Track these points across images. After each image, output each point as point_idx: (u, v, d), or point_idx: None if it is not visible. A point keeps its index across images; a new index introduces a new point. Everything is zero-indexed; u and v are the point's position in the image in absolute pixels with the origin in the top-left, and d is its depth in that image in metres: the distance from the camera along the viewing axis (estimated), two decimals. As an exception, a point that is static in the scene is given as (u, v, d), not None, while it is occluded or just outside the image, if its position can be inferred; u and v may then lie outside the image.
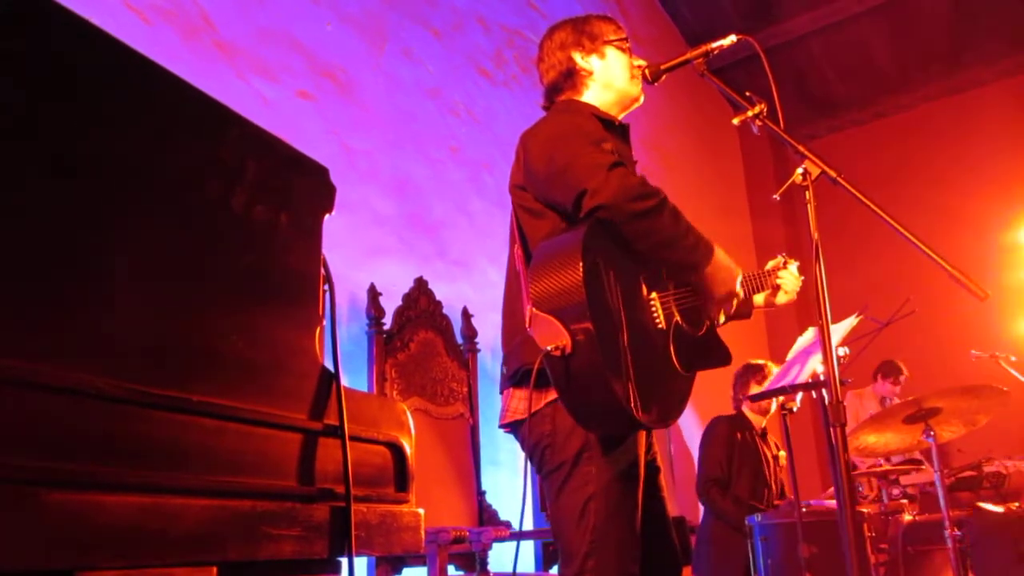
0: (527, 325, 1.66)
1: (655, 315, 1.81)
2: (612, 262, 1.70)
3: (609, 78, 2.03)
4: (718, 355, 1.98)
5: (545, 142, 1.84)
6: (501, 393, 1.92)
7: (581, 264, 1.58)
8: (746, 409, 4.25)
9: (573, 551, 1.69)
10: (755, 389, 4.17)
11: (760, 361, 4.33)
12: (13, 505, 0.74)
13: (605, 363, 1.55)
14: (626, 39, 2.09)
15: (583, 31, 2.05)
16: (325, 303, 1.20)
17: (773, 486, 4.17)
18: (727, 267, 1.86)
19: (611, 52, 2.05)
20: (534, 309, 1.62)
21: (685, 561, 3.85)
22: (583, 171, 1.71)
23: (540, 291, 1.62)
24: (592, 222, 1.68)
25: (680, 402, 1.82)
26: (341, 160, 3.76)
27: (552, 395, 1.71)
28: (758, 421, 4.24)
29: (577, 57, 2.03)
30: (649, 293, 1.82)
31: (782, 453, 4.26)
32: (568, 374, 1.59)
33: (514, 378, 1.83)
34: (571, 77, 2.04)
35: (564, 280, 1.59)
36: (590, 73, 2.03)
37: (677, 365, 1.81)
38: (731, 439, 4.09)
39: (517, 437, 1.88)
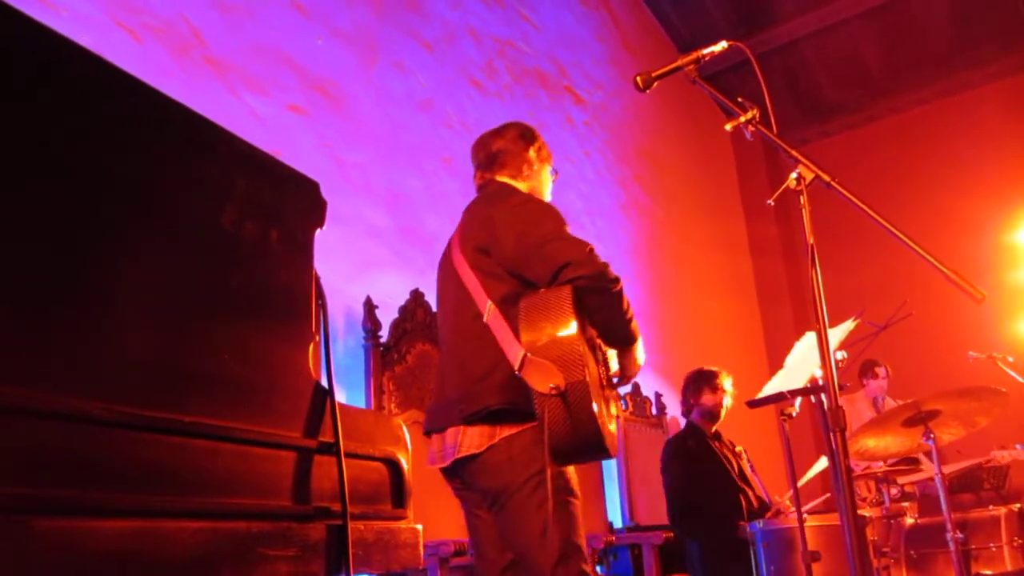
0: (517, 369, 1.87)
1: (600, 360, 2.09)
2: (582, 316, 1.97)
3: (540, 184, 2.36)
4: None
5: (523, 219, 2.07)
6: (442, 432, 2.07)
7: (574, 319, 1.88)
8: (696, 417, 4.11)
9: (541, 565, 1.90)
10: (708, 395, 4.05)
11: (714, 368, 4.15)
12: (2, 534, 0.72)
13: (594, 402, 1.82)
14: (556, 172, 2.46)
15: (540, 142, 2.39)
16: (319, 319, 1.18)
17: (748, 485, 4.00)
18: (638, 354, 2.23)
19: (548, 170, 2.40)
20: (530, 355, 1.85)
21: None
22: (567, 247, 1.98)
23: (536, 340, 1.88)
24: (572, 285, 1.94)
25: (615, 436, 2.08)
26: (334, 174, 3.75)
27: (510, 430, 1.94)
28: (708, 426, 4.08)
29: (532, 153, 2.33)
30: (598, 340, 2.13)
31: (739, 448, 4.14)
32: (566, 412, 1.82)
33: (473, 417, 1.98)
34: (521, 162, 2.31)
35: (559, 329, 1.88)
36: (531, 169, 2.33)
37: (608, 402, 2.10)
38: (685, 455, 3.92)
39: (461, 473, 2.04)
